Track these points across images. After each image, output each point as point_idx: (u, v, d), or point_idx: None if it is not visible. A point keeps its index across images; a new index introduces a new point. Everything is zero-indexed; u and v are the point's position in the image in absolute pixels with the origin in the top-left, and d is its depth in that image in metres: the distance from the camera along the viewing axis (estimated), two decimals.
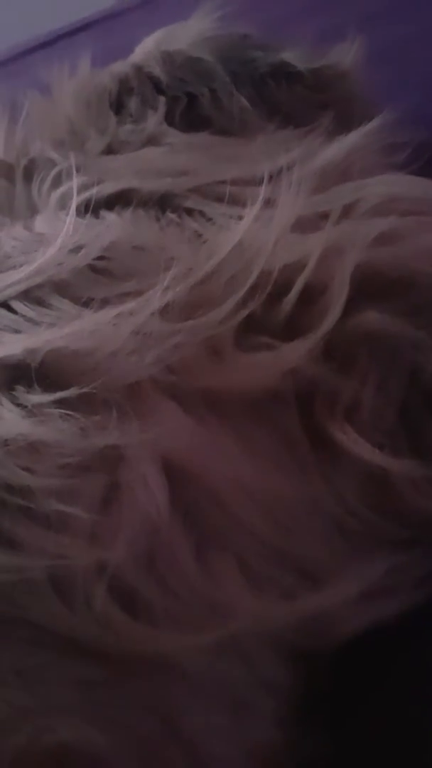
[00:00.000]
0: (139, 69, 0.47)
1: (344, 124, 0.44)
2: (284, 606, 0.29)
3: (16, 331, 0.32)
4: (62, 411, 0.29)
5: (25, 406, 0.29)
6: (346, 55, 0.50)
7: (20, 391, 0.30)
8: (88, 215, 0.37)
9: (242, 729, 0.29)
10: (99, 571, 0.27)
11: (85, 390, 0.29)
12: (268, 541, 0.30)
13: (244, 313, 0.33)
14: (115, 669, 0.27)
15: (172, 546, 0.28)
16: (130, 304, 0.32)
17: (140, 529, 0.28)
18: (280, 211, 0.35)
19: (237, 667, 0.29)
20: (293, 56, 0.47)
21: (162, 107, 0.45)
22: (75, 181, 0.38)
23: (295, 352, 0.32)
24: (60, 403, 0.29)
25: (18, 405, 0.29)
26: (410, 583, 0.31)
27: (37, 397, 0.29)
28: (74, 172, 0.38)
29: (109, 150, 0.44)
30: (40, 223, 0.38)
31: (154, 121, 0.44)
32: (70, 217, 0.36)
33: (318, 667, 0.31)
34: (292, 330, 0.33)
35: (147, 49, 0.50)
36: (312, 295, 0.33)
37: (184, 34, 0.50)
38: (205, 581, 0.28)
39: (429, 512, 0.33)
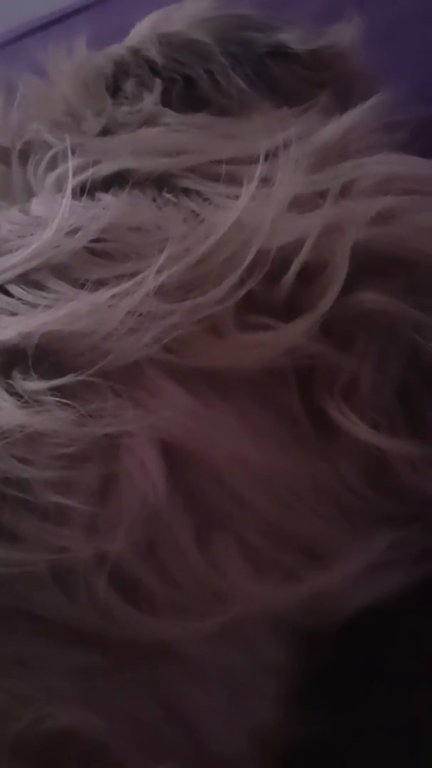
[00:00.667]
0: (135, 51, 0.47)
1: (343, 102, 0.44)
2: (287, 588, 0.29)
3: (13, 315, 0.32)
4: (59, 399, 0.29)
5: (22, 396, 0.29)
6: (344, 34, 0.50)
7: (16, 378, 0.30)
8: (85, 197, 0.37)
9: (243, 711, 0.29)
10: (99, 561, 0.27)
11: (81, 378, 0.29)
12: (269, 520, 0.30)
13: (243, 292, 0.32)
14: (116, 656, 0.27)
15: (173, 531, 0.28)
16: (126, 285, 0.31)
17: (139, 516, 0.28)
18: (278, 189, 0.34)
19: (238, 650, 0.29)
20: (291, 37, 0.46)
21: (158, 89, 0.44)
22: (71, 163, 0.37)
23: (295, 332, 0.32)
24: (57, 389, 0.29)
25: (14, 394, 0.29)
26: (409, 559, 0.31)
27: (34, 384, 0.29)
28: (69, 154, 0.38)
29: (106, 131, 0.43)
30: (36, 206, 0.38)
31: (150, 101, 0.44)
32: (66, 200, 0.36)
33: (319, 648, 0.31)
34: (291, 309, 0.33)
35: (143, 31, 0.49)
36: (311, 274, 0.33)
37: (181, 16, 0.49)
38: (206, 567, 0.28)
39: (427, 491, 0.33)
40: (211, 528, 0.29)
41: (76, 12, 0.84)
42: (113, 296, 0.31)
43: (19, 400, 0.29)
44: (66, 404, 0.28)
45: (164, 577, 0.28)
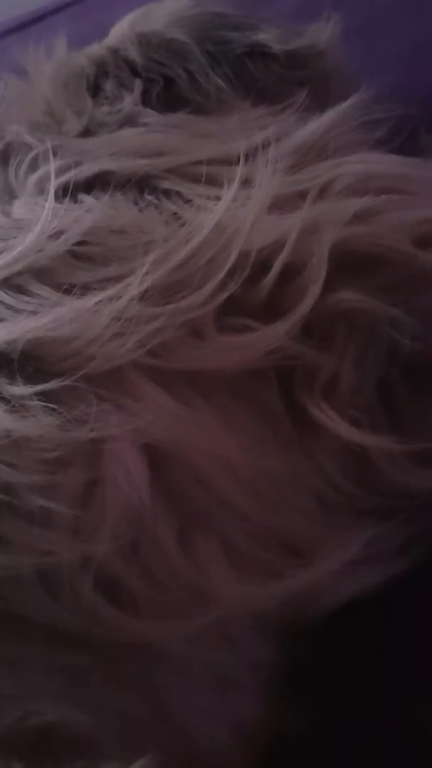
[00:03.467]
0: (114, 52, 0.47)
1: (321, 101, 0.44)
2: (269, 586, 0.30)
3: None
4: (44, 404, 0.29)
5: (9, 400, 0.29)
6: (322, 33, 0.50)
7: (2, 383, 0.30)
8: (67, 199, 0.37)
9: (225, 706, 0.30)
10: (84, 564, 0.28)
11: (66, 383, 0.29)
12: (252, 517, 0.31)
13: (224, 295, 0.33)
14: (101, 656, 0.28)
15: (156, 533, 0.29)
16: (111, 290, 0.32)
17: (123, 518, 0.29)
18: (257, 191, 0.35)
19: (220, 647, 0.30)
20: (268, 36, 0.46)
21: (138, 89, 0.44)
22: (52, 165, 0.38)
23: (276, 333, 0.33)
24: (42, 394, 0.29)
25: (1, 399, 0.30)
26: (390, 552, 0.32)
27: (19, 389, 0.30)
28: (51, 156, 0.38)
29: (86, 132, 0.44)
30: (18, 209, 0.38)
31: (130, 102, 0.44)
32: (49, 202, 0.36)
33: (301, 642, 0.32)
34: (271, 310, 0.34)
35: (122, 30, 0.49)
36: (290, 275, 0.34)
37: (159, 14, 0.50)
38: (189, 569, 0.29)
39: (407, 485, 0.34)
40: (193, 528, 0.30)
41: (54, 11, 0.84)
42: (97, 302, 0.32)
43: (5, 405, 0.29)
44: (51, 409, 0.29)
45: (148, 578, 0.29)
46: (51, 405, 0.29)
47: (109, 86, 0.45)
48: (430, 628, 0.33)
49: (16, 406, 0.29)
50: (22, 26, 0.88)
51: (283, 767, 0.30)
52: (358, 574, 0.31)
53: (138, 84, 0.44)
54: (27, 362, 0.30)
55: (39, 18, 0.88)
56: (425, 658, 0.32)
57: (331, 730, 0.31)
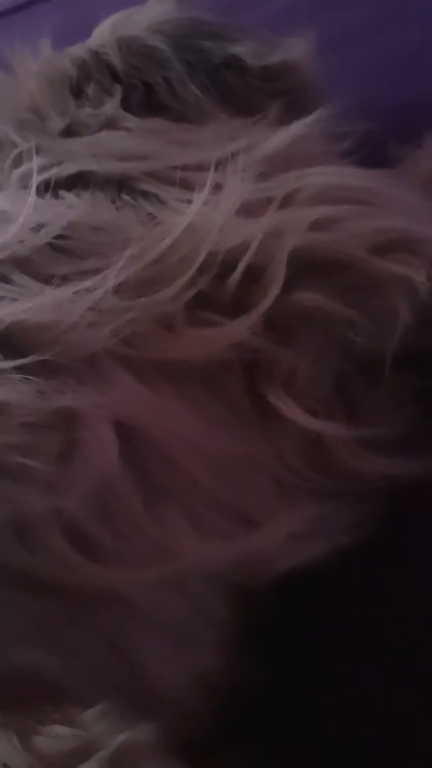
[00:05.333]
0: (96, 55, 0.49)
1: (295, 113, 0.47)
2: (223, 546, 0.33)
3: None
4: (23, 376, 0.31)
5: None
6: (297, 46, 0.53)
7: None
8: (48, 195, 0.40)
9: (185, 656, 0.32)
10: (56, 517, 0.30)
11: (44, 357, 0.32)
12: (212, 492, 0.34)
13: (194, 290, 0.36)
14: (69, 603, 0.30)
15: (124, 496, 0.31)
16: (88, 282, 0.34)
17: (94, 480, 0.31)
18: (227, 196, 0.38)
19: (181, 601, 0.32)
20: (244, 50, 0.49)
21: (118, 94, 0.47)
22: (35, 163, 0.40)
23: (240, 327, 0.36)
24: (21, 369, 0.32)
25: None
26: (335, 529, 0.35)
27: (0, 364, 0.32)
28: (34, 154, 0.40)
29: (69, 131, 0.46)
30: (1, 201, 0.40)
31: (111, 106, 0.46)
32: (31, 197, 0.39)
33: (255, 603, 0.35)
34: (236, 306, 0.36)
35: (104, 33, 0.51)
36: (254, 275, 0.37)
37: (140, 18, 0.52)
38: (152, 525, 0.32)
39: (359, 470, 0.37)
40: (158, 496, 0.32)
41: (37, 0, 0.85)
42: (75, 292, 0.34)
43: None
44: (29, 380, 0.31)
45: (114, 532, 0.31)
46: (29, 377, 0.31)
47: (91, 90, 0.47)
48: (369, 598, 0.37)
49: None
50: (8, 12, 0.90)
51: (238, 715, 0.33)
52: (303, 546, 0.34)
53: (118, 89, 0.47)
54: (8, 342, 0.33)
55: (21, 6, 0.89)
56: (365, 623, 0.36)
57: (282, 684, 0.34)
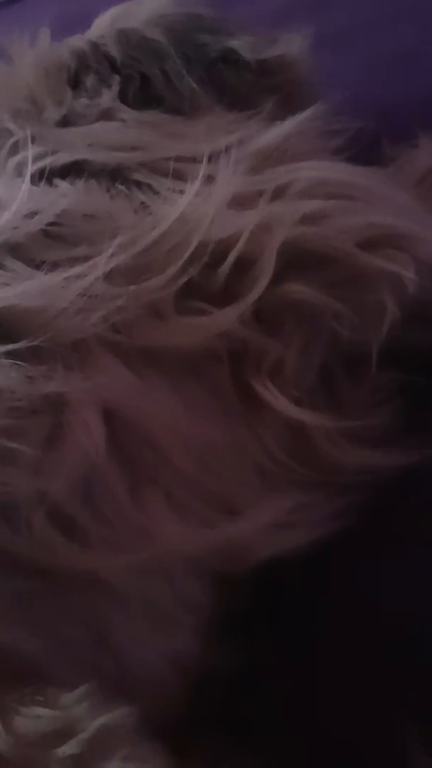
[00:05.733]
0: (95, 46, 0.49)
1: (289, 109, 0.47)
2: (203, 533, 0.33)
3: None
4: (12, 361, 0.32)
5: None
6: (294, 42, 0.53)
7: None
8: (43, 183, 0.40)
9: (163, 640, 0.33)
10: (40, 499, 0.30)
11: (34, 343, 0.32)
12: (195, 479, 0.34)
13: (183, 279, 0.36)
14: (51, 584, 0.30)
15: (108, 481, 0.32)
16: (78, 268, 0.35)
17: (79, 465, 0.32)
18: (219, 188, 0.38)
19: (161, 586, 0.33)
20: (241, 44, 0.49)
21: (116, 85, 0.47)
22: (30, 150, 0.40)
23: (228, 317, 0.36)
24: (10, 354, 0.32)
25: None
26: (315, 519, 0.36)
27: None
28: (29, 142, 0.41)
29: (65, 121, 0.46)
30: None
31: (108, 97, 0.46)
32: (26, 184, 0.39)
33: (234, 590, 0.35)
34: (225, 296, 0.37)
35: (103, 25, 0.52)
36: (244, 266, 0.37)
37: (139, 12, 0.52)
38: (135, 510, 0.32)
39: (340, 462, 0.38)
40: (142, 482, 0.33)
41: None
42: (65, 278, 0.35)
43: None
44: (18, 365, 0.32)
45: (97, 516, 0.32)
46: (18, 362, 0.32)
47: (89, 80, 0.48)
48: (350, 587, 0.37)
49: None
50: (5, 4, 0.90)
51: (217, 700, 0.34)
52: (283, 535, 0.35)
53: (116, 80, 0.47)
54: None
55: None
56: (341, 612, 0.37)
57: (261, 670, 0.34)
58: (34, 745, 0.25)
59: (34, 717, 0.26)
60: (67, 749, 0.25)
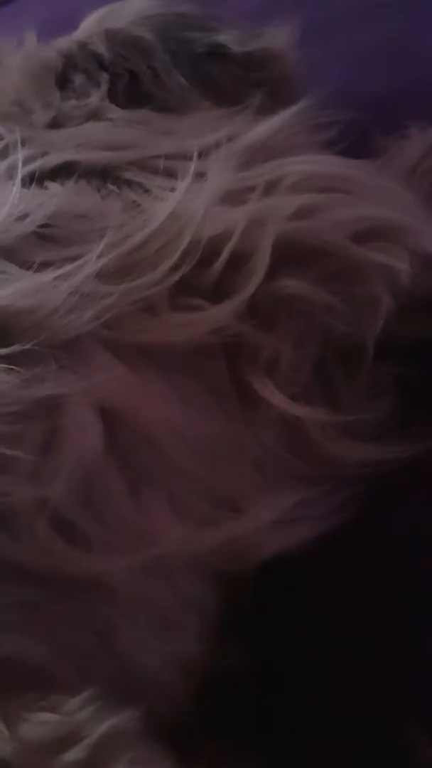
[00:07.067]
0: (83, 46, 0.49)
1: (278, 102, 0.47)
2: (206, 532, 0.33)
3: None
4: (5, 366, 0.32)
5: None
6: (279, 35, 0.53)
7: None
8: (33, 185, 0.40)
9: (167, 642, 0.33)
10: (40, 506, 0.30)
11: (26, 347, 0.32)
12: (195, 477, 0.34)
13: (176, 276, 0.36)
14: (53, 591, 0.30)
15: (107, 483, 0.32)
16: (68, 267, 0.35)
17: (78, 468, 0.31)
18: (209, 184, 0.38)
19: (164, 588, 0.33)
20: (228, 38, 0.49)
21: (105, 84, 0.47)
22: (20, 154, 0.40)
23: (222, 312, 0.36)
24: (4, 358, 0.32)
25: None
26: (316, 515, 0.36)
27: None
28: (19, 145, 0.41)
29: (54, 123, 0.46)
30: None
31: (97, 97, 0.46)
32: (16, 187, 0.39)
33: (238, 589, 0.35)
34: (219, 292, 0.37)
35: (90, 26, 0.52)
36: (237, 262, 0.37)
37: (126, 12, 0.52)
38: (135, 512, 0.32)
39: (337, 457, 0.38)
40: (141, 482, 0.33)
41: None
42: (57, 277, 0.34)
43: None
44: (12, 369, 0.32)
45: (98, 519, 0.31)
46: (12, 367, 0.32)
47: (78, 80, 0.48)
48: (354, 582, 0.37)
49: None
50: None
51: (222, 701, 0.34)
52: (285, 531, 0.35)
53: (105, 78, 0.47)
54: None
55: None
56: (344, 609, 0.36)
57: (267, 670, 0.34)
58: (39, 750, 0.25)
59: (39, 723, 0.26)
60: (72, 754, 0.25)
